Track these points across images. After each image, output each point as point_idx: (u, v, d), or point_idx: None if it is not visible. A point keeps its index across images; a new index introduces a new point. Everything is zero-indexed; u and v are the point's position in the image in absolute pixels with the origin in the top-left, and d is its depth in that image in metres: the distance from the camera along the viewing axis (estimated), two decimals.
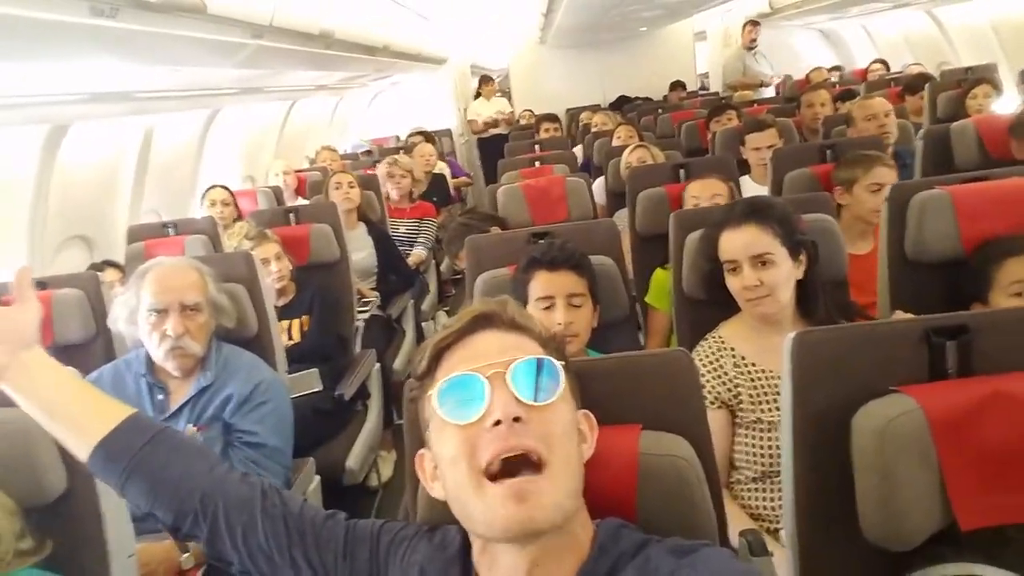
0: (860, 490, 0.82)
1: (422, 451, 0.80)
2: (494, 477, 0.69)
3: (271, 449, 1.72)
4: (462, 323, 0.78)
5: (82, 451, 0.88)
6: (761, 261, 1.42)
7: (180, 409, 1.72)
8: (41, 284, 2.07)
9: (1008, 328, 0.86)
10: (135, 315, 1.72)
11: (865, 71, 6.71)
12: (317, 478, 2.04)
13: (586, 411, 0.81)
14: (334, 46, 3.08)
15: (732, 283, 1.46)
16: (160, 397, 1.73)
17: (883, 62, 6.62)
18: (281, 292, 2.57)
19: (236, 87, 3.27)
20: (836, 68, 7.56)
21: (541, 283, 1.49)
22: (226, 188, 3.49)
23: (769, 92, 6.54)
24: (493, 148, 6.62)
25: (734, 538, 0.94)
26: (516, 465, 0.69)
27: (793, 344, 0.89)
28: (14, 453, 1.11)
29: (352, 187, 3.43)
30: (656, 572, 0.68)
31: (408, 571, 0.78)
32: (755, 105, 4.71)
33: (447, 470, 0.72)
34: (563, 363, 0.78)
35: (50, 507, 1.16)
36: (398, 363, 3.19)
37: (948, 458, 0.79)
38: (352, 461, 2.36)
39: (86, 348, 2.02)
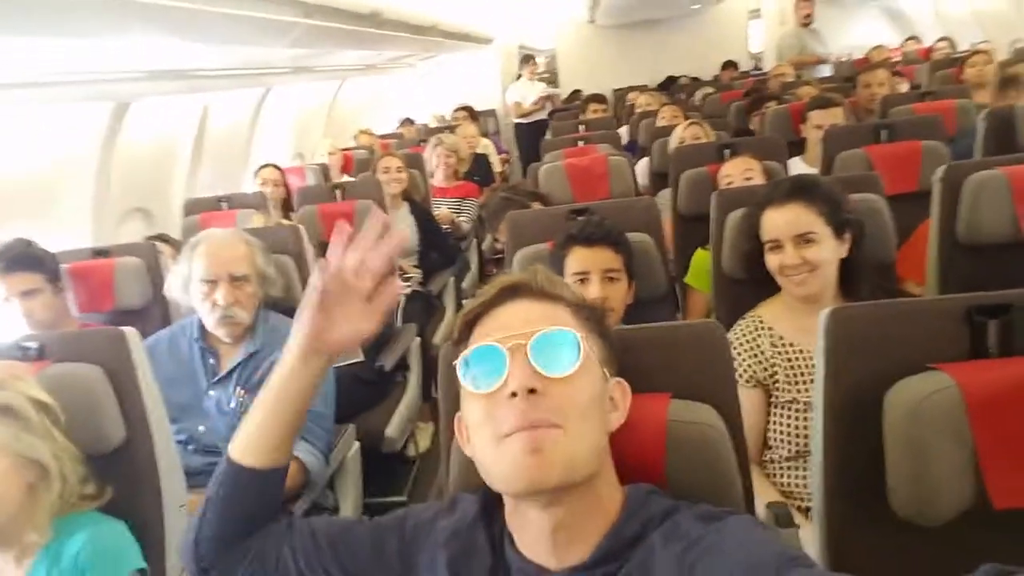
0: (891, 465, 0.82)
1: (459, 414, 0.82)
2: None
3: (315, 414, 1.79)
4: (490, 294, 0.80)
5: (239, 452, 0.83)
6: (804, 240, 1.40)
7: (230, 373, 1.80)
8: (103, 252, 2.20)
9: None
10: (188, 284, 1.80)
11: (929, 50, 6.40)
12: (357, 444, 2.11)
13: (620, 380, 0.80)
14: (383, 25, 3.12)
15: (773, 261, 1.44)
16: (212, 361, 1.82)
17: (948, 39, 6.29)
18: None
19: (287, 66, 3.35)
20: (912, 38, 7.16)
21: (577, 258, 1.50)
22: (277, 168, 3.60)
23: (826, 72, 6.29)
24: (533, 132, 6.57)
25: (760, 510, 0.94)
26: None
27: (828, 318, 0.88)
28: (77, 404, 1.19)
29: (400, 171, 3.48)
30: (683, 537, 0.69)
31: (435, 549, 0.79)
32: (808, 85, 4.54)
33: (473, 434, 0.75)
34: (598, 332, 0.78)
35: (110, 456, 1.25)
36: (438, 338, 3.25)
37: (983, 437, 0.77)
38: (391, 430, 2.43)
39: (145, 313, 2.14)
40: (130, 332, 1.28)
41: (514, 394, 0.70)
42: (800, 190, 1.43)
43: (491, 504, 0.80)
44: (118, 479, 1.24)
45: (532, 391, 0.70)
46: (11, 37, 1.46)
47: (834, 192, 1.45)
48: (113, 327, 1.29)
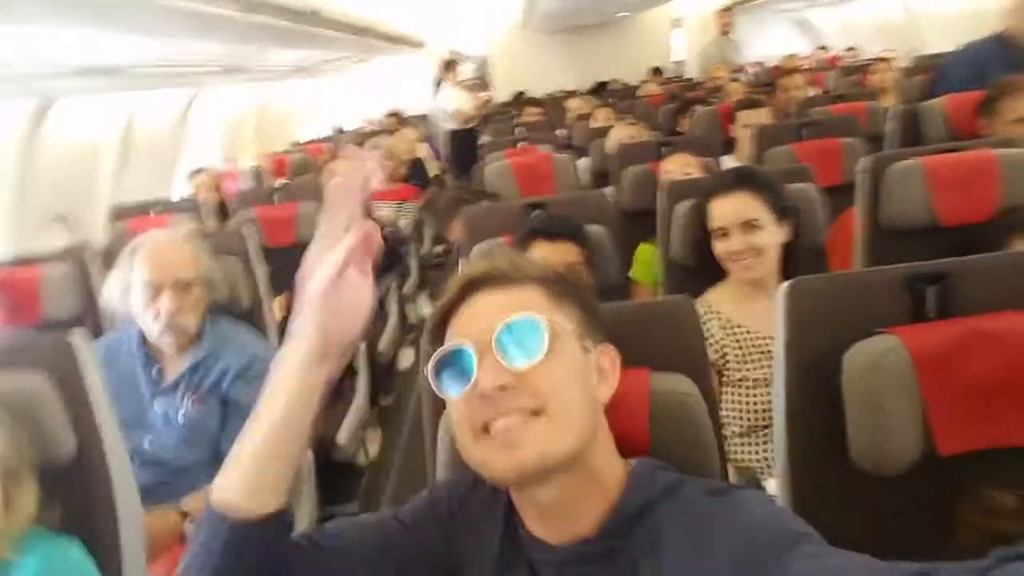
0: (850, 420, 0.89)
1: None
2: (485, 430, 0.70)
3: None
4: (454, 290, 0.77)
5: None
6: (750, 226, 1.48)
7: (176, 383, 1.73)
8: (26, 261, 2.06)
9: (984, 275, 0.93)
10: (128, 291, 1.72)
11: (837, 58, 6.85)
12: (309, 452, 2.06)
13: (606, 347, 0.79)
14: (321, 24, 3.07)
15: (721, 248, 1.52)
16: (155, 371, 1.74)
17: (855, 48, 6.77)
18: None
19: (219, 66, 3.23)
20: (822, 48, 7.65)
21: (541, 253, 1.53)
22: (214, 172, 3.47)
23: (743, 78, 6.63)
24: (465, 137, 6.55)
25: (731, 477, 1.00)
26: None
27: (786, 292, 0.95)
28: (22, 415, 1.12)
29: None
30: (691, 512, 0.68)
31: (470, 527, 0.78)
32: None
33: (456, 432, 0.75)
34: (574, 302, 0.76)
35: (60, 470, 1.18)
36: (383, 344, 3.22)
37: (929, 391, 0.86)
38: (342, 437, 2.39)
39: (75, 325, 2.01)
40: (79, 336, 1.21)
41: (487, 392, 0.69)
42: (744, 179, 1.52)
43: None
44: (69, 495, 1.17)
45: (504, 387, 0.69)
46: None
47: (774, 182, 1.55)
48: (59, 332, 1.22)
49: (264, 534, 0.68)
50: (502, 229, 1.67)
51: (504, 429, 0.69)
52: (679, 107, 4.15)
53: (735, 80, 5.03)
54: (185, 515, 1.56)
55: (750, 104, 3.03)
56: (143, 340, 1.75)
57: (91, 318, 2.06)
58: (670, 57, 8.59)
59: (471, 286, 0.77)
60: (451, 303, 0.77)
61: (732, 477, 1.01)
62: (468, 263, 1.64)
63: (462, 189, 2.21)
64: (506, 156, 2.97)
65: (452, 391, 0.72)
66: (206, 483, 1.58)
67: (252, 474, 0.69)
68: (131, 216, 2.80)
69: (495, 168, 2.52)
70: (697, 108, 3.79)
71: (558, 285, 0.78)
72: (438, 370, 0.73)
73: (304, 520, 1.89)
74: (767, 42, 8.52)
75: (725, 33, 6.55)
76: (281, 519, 0.70)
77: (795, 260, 1.55)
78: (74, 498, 1.18)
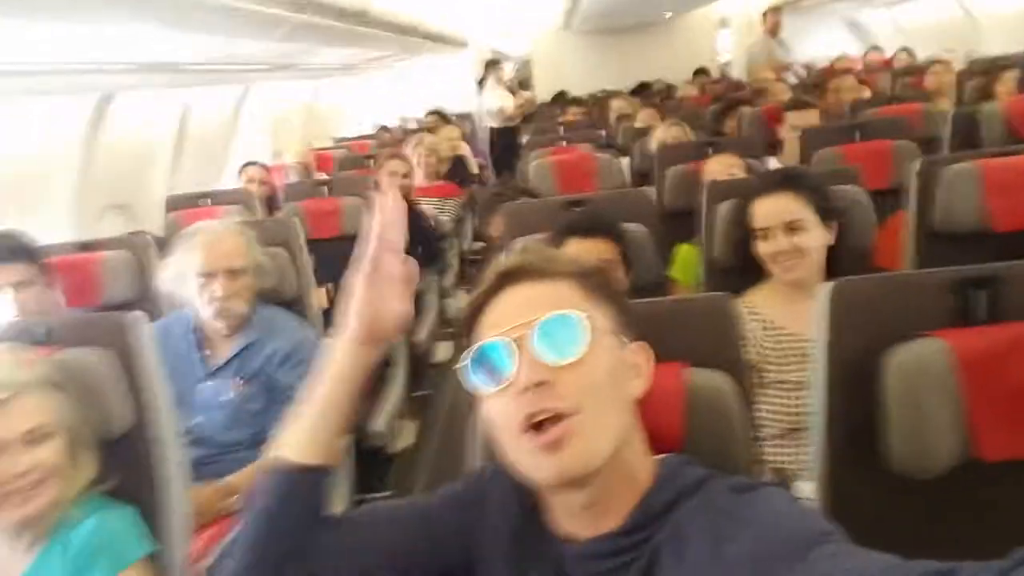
0: (890, 423, 0.88)
1: None
2: (527, 429, 0.70)
3: None
4: (489, 282, 0.77)
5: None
6: (793, 227, 1.47)
7: (226, 365, 1.80)
8: (90, 246, 2.16)
9: None
10: (183, 277, 1.80)
11: (889, 60, 6.65)
12: (348, 437, 2.11)
13: (640, 344, 0.78)
14: (369, 24, 3.14)
15: (764, 249, 1.51)
16: (207, 353, 1.82)
17: (908, 50, 6.55)
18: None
19: (269, 63, 3.34)
20: (874, 49, 7.42)
21: (575, 250, 1.54)
22: (263, 166, 3.56)
23: (792, 80, 6.49)
24: (506, 136, 6.58)
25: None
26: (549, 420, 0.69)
27: (829, 291, 0.95)
28: (87, 388, 1.19)
29: (406, 176, 3.41)
30: (715, 507, 0.68)
31: (490, 517, 0.78)
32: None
33: (493, 429, 0.74)
34: (607, 298, 0.76)
35: (116, 441, 1.25)
36: (421, 336, 3.27)
37: (973, 396, 0.84)
38: (378, 425, 2.44)
39: (134, 308, 2.10)
40: (139, 317, 1.28)
41: (526, 388, 0.69)
42: (789, 180, 1.50)
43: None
44: (124, 464, 1.24)
45: (542, 383, 0.69)
46: (5, 19, 1.44)
47: (820, 182, 1.53)
48: (121, 312, 1.29)
49: (310, 482, 0.78)
50: (541, 225, 1.69)
51: (544, 429, 0.68)
52: (723, 108, 4.11)
53: (780, 81, 4.93)
54: (229, 491, 1.62)
55: (800, 105, 2.99)
56: (195, 324, 1.83)
57: (147, 301, 2.15)
58: (716, 58, 8.47)
59: (505, 279, 0.76)
60: (485, 295, 0.77)
61: (766, 478, 1.01)
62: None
63: (502, 186, 2.23)
64: (547, 154, 3.00)
65: (488, 385, 0.72)
66: (250, 462, 1.67)
67: (307, 432, 0.79)
68: (185, 206, 2.91)
69: (536, 166, 2.54)
70: (742, 109, 3.75)
71: (592, 280, 0.77)
72: (474, 364, 0.73)
73: (339, 505, 1.94)
74: (816, 43, 8.33)
75: (773, 34, 6.42)
76: (326, 472, 0.79)
77: (839, 263, 1.53)
78: (129, 467, 1.24)
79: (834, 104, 3.88)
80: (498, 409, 0.72)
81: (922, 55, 6.26)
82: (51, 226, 2.49)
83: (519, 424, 0.69)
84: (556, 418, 0.69)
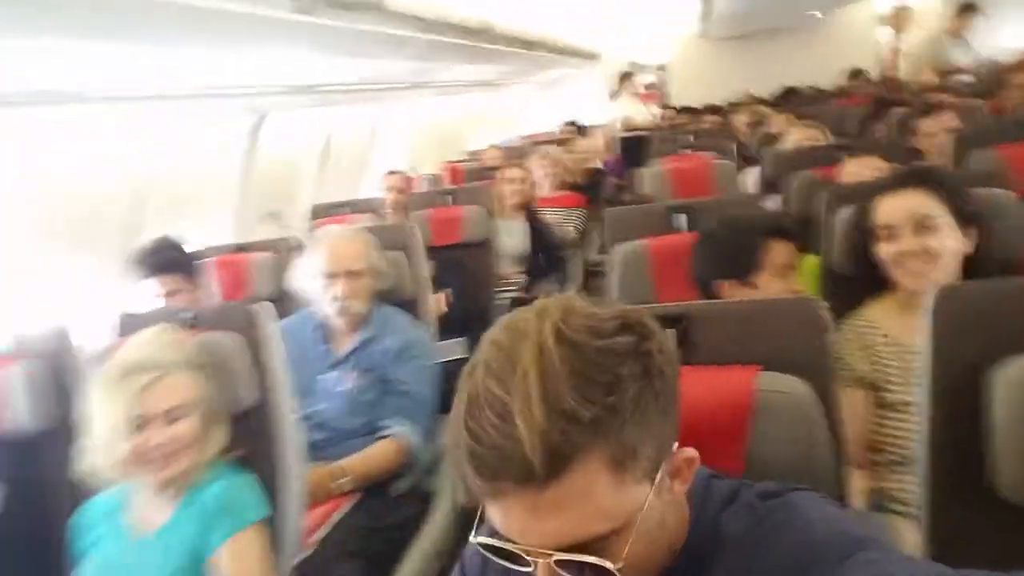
0: (997, 443, 0.78)
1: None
2: None
3: (421, 397, 1.91)
4: (482, 475, 0.59)
5: None
6: (924, 226, 1.31)
7: (345, 358, 1.96)
8: (244, 248, 2.47)
9: None
10: (310, 277, 1.99)
11: None
12: None
13: (681, 452, 0.65)
14: (494, 40, 3.27)
15: (887, 250, 1.36)
16: (331, 345, 1.99)
17: None
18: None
19: (404, 82, 3.58)
20: None
21: (779, 256, 1.46)
22: (404, 175, 3.80)
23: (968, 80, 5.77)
24: (636, 146, 6.48)
25: (855, 495, 0.92)
26: None
27: (937, 295, 0.86)
28: (220, 367, 1.36)
29: (524, 182, 3.53)
30: (749, 515, 0.66)
31: None
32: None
33: None
34: (640, 431, 0.59)
35: (242, 415, 1.41)
36: None
37: None
38: None
39: (277, 302, 2.36)
40: (265, 307, 1.44)
41: None
42: (919, 176, 1.35)
43: None
44: (248, 438, 1.40)
45: None
46: (177, 49, 1.69)
47: (956, 181, 1.37)
48: (250, 302, 1.46)
49: None
50: (643, 230, 1.67)
51: None
52: (873, 111, 3.78)
53: (943, 89, 4.43)
54: (343, 473, 1.75)
55: (927, 110, 2.67)
56: (321, 319, 2.01)
57: (287, 297, 2.40)
58: (878, 58, 7.77)
59: (502, 474, 0.57)
60: (481, 489, 0.60)
61: (855, 495, 0.92)
62: (614, 269, 1.60)
63: (620, 194, 2.23)
64: (665, 162, 2.94)
65: (508, 564, 0.63)
66: (363, 447, 1.80)
67: None
68: (327, 214, 3.20)
69: (650, 172, 2.51)
70: (893, 111, 3.44)
71: (613, 429, 0.58)
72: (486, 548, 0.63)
73: (446, 495, 2.01)
74: (1002, 35, 7.36)
75: (955, 35, 5.72)
76: None
77: (980, 275, 1.35)
78: (252, 440, 1.40)
79: (1012, 100, 3.43)
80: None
81: None
82: (216, 232, 2.85)
83: None
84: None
